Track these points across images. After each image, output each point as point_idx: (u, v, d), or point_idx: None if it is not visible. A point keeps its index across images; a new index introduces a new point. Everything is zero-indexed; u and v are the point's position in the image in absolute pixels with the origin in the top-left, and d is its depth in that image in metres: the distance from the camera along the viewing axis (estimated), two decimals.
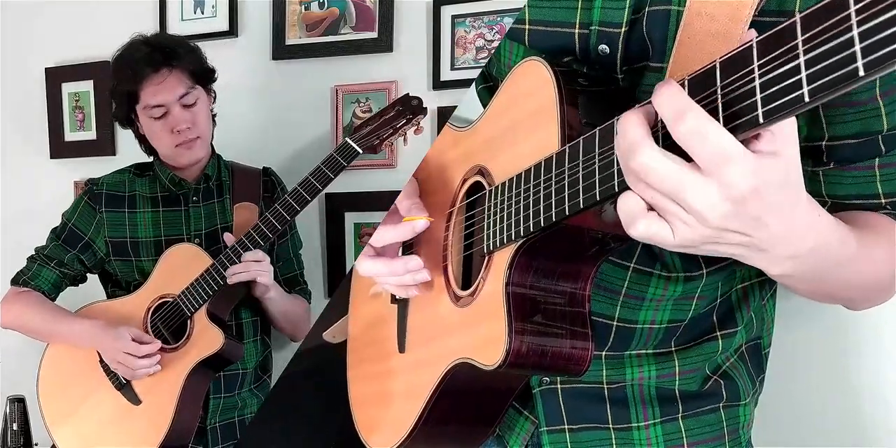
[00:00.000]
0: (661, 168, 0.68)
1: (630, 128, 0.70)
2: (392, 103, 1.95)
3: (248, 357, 2.14)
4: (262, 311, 2.15)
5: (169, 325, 2.02)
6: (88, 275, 2.23)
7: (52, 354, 2.15)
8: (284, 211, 1.92)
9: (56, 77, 2.72)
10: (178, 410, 1.96)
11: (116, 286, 2.19)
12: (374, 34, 2.31)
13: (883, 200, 1.00)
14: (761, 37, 0.64)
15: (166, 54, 2.02)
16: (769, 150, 0.67)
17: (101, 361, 2.05)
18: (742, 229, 0.70)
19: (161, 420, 1.97)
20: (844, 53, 0.57)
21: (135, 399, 2.03)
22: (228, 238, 1.98)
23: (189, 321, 2.00)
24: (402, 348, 1.19)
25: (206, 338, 1.98)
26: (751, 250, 0.74)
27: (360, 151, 1.91)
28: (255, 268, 1.93)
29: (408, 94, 1.95)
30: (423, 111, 1.93)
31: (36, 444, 2.07)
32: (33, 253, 2.19)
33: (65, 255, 2.15)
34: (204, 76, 2.10)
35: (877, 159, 0.98)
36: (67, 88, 2.70)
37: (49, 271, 2.15)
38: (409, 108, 1.92)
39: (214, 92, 2.15)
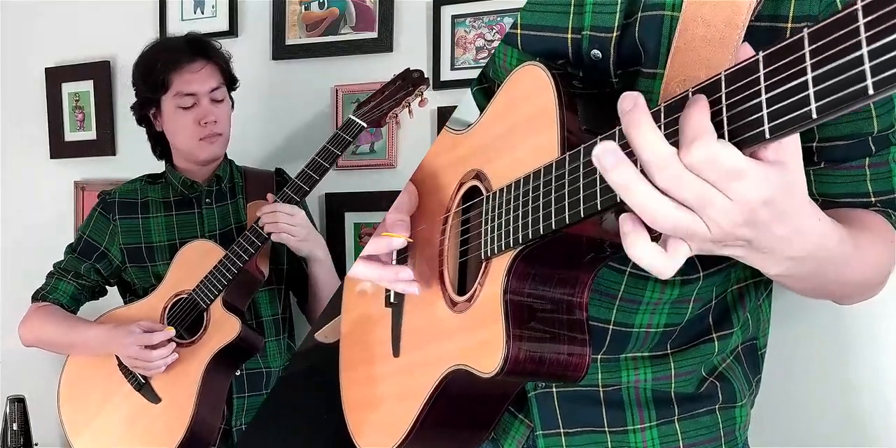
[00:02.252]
0: (693, 181, 0.68)
1: (653, 142, 0.70)
2: (392, 79, 1.94)
3: (271, 356, 2.13)
4: (303, 300, 2.15)
5: (185, 320, 2.00)
6: (108, 288, 2.22)
7: (72, 367, 2.15)
8: (294, 193, 1.92)
9: (56, 77, 2.71)
10: (197, 406, 1.93)
11: (134, 295, 2.17)
12: (374, 34, 2.31)
13: (873, 199, 1.01)
14: (768, 50, 0.64)
15: (203, 47, 2.06)
16: (776, 159, 0.67)
17: (120, 364, 2.04)
18: (751, 236, 0.71)
19: (181, 416, 1.95)
20: (854, 71, 0.57)
21: (154, 398, 2.01)
22: (270, 197, 1.97)
23: (205, 314, 1.98)
24: (396, 352, 1.19)
25: (223, 327, 1.96)
26: (754, 252, 0.75)
27: (365, 125, 1.91)
28: (284, 221, 1.91)
29: (408, 68, 1.95)
30: (426, 81, 1.92)
31: (36, 444, 2.07)
32: (52, 269, 2.17)
33: (81, 266, 2.14)
34: (230, 79, 2.12)
35: (867, 159, 0.99)
36: (67, 88, 2.69)
37: (66, 284, 2.14)
38: (411, 81, 1.92)
39: (233, 99, 2.15)
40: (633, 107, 0.70)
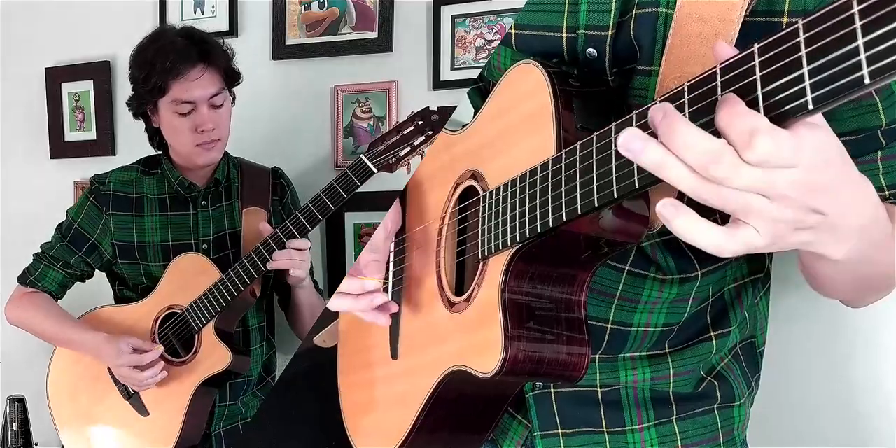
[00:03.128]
0: (751, 174, 0.65)
1: (700, 139, 0.66)
2: (410, 116, 1.88)
3: (253, 364, 2.13)
4: (285, 303, 2.15)
5: (177, 337, 2.01)
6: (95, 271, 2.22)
7: (61, 356, 2.16)
8: (295, 229, 1.88)
9: (56, 77, 2.71)
10: (185, 423, 1.97)
11: (123, 285, 2.17)
12: (374, 34, 2.30)
13: (886, 192, 0.98)
14: (763, 42, 0.63)
15: (204, 51, 1.98)
16: (815, 122, 0.66)
17: (110, 370, 2.05)
18: (821, 205, 0.68)
19: (169, 432, 1.98)
20: (850, 62, 0.56)
21: (143, 410, 2.03)
22: (265, 228, 1.95)
23: (196, 335, 1.99)
24: (394, 355, 1.19)
25: (213, 355, 1.97)
26: (825, 232, 0.71)
27: (376, 171, 1.86)
28: (297, 257, 1.90)
29: (427, 107, 1.89)
30: (441, 127, 1.84)
31: (36, 445, 2.07)
32: (39, 251, 2.18)
33: (71, 258, 2.13)
34: (232, 78, 2.06)
35: (878, 152, 0.97)
36: (67, 88, 2.70)
37: (55, 273, 2.14)
38: (429, 124, 1.85)
39: (234, 94, 2.11)
40: (664, 115, 0.68)
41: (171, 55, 1.94)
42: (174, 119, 2.00)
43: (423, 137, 1.85)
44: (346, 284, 1.16)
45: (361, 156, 1.87)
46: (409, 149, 1.85)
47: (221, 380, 2.01)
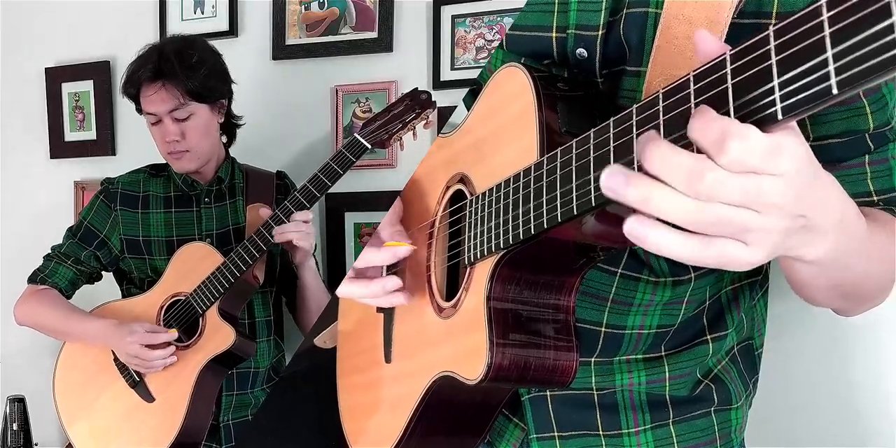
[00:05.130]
0: (737, 183, 0.63)
1: (677, 157, 0.64)
2: (401, 98, 1.96)
3: (261, 356, 2.15)
4: (292, 304, 2.17)
5: (181, 322, 2.03)
6: (104, 273, 2.25)
7: (68, 353, 2.17)
8: (294, 207, 1.92)
9: (56, 77, 2.72)
10: (190, 407, 1.98)
11: (131, 284, 2.21)
12: (374, 34, 2.31)
13: (875, 198, 0.98)
14: (735, 50, 0.62)
15: (166, 69, 1.99)
16: (789, 124, 0.64)
17: (116, 360, 2.07)
18: (804, 209, 0.66)
19: (174, 417, 1.99)
20: (819, 73, 0.55)
21: (148, 397, 2.04)
22: (264, 212, 1.99)
23: (201, 319, 2.01)
24: (388, 358, 1.18)
25: (217, 335, 1.99)
26: (806, 232, 0.69)
27: (369, 146, 1.92)
28: (303, 229, 1.93)
29: (416, 88, 1.96)
30: (432, 105, 1.94)
31: (36, 444, 2.07)
32: (50, 252, 2.20)
33: (81, 253, 2.16)
34: (204, 94, 2.04)
35: (867, 156, 0.96)
36: (67, 88, 2.71)
37: (66, 269, 2.16)
38: (418, 103, 1.93)
39: (225, 105, 2.13)
40: (645, 139, 0.65)
41: (138, 69, 2.03)
42: (149, 127, 2.09)
43: (413, 115, 1.93)
44: (373, 256, 1.11)
45: (355, 134, 1.94)
46: (400, 125, 1.93)
47: (227, 362, 2.02)
